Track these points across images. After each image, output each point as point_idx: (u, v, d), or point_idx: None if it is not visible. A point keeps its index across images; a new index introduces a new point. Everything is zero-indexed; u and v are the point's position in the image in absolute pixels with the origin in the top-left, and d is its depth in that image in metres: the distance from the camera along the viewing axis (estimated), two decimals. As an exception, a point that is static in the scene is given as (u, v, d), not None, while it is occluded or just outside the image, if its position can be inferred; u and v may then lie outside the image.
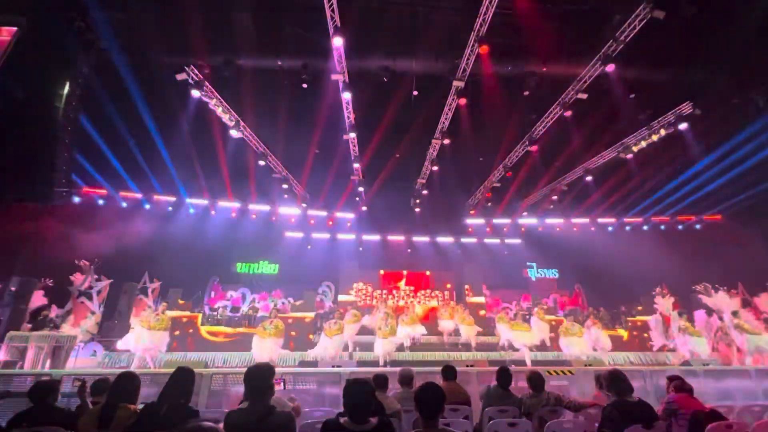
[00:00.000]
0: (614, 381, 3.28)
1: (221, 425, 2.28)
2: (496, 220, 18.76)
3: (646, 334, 11.87)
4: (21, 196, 9.55)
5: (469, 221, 18.69)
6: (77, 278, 10.09)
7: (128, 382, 3.01)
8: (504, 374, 4.07)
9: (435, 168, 14.43)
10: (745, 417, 3.86)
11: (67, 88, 9.09)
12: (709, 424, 3.10)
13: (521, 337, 10.35)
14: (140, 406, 2.85)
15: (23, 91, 8.84)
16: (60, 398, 3.38)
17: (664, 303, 10.97)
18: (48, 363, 7.33)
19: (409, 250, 18.22)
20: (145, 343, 8.77)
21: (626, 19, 8.78)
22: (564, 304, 16.17)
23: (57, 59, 8.90)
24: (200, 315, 12.37)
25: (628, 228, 18.48)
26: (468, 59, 9.74)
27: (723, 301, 10.31)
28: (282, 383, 3.16)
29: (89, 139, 11.55)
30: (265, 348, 8.78)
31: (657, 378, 5.84)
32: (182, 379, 2.94)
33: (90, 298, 10.23)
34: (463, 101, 11.02)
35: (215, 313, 13.13)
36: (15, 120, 9.08)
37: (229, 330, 12.04)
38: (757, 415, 4.01)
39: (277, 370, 2.88)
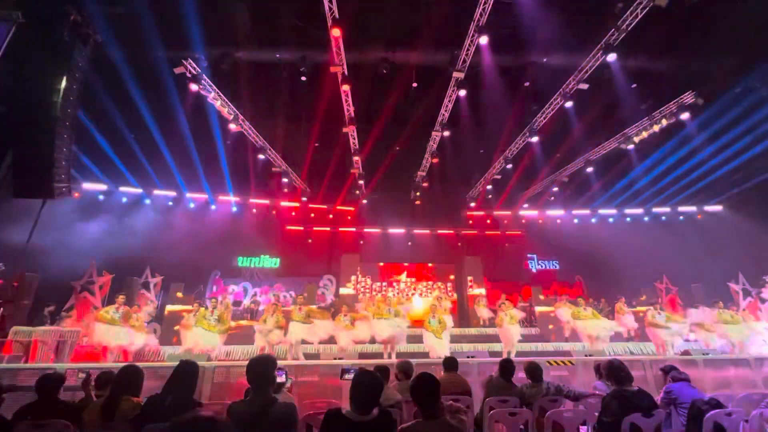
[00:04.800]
0: (613, 370, 3.30)
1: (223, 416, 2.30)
2: (496, 212, 18.75)
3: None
4: (20, 192, 9.54)
5: (470, 213, 18.67)
6: None
7: (132, 375, 3.04)
8: (506, 365, 4.10)
9: (435, 160, 14.37)
10: (744, 405, 3.88)
11: (64, 83, 8.99)
12: (709, 412, 3.12)
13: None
14: (144, 399, 2.88)
15: (20, 85, 8.79)
16: (64, 391, 3.40)
17: None
18: (52, 357, 7.39)
19: (409, 243, 18.22)
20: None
21: (628, 7, 8.64)
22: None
23: (53, 53, 8.81)
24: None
25: (628, 219, 18.45)
26: (468, 50, 9.63)
27: None
28: (284, 374, 3.18)
29: (88, 134, 11.48)
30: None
31: (657, 368, 5.87)
32: (186, 372, 2.96)
33: (92, 293, 10.30)
34: (463, 92, 10.93)
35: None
36: (12, 115, 9.04)
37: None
38: (756, 403, 4.03)
39: (279, 362, 2.89)
